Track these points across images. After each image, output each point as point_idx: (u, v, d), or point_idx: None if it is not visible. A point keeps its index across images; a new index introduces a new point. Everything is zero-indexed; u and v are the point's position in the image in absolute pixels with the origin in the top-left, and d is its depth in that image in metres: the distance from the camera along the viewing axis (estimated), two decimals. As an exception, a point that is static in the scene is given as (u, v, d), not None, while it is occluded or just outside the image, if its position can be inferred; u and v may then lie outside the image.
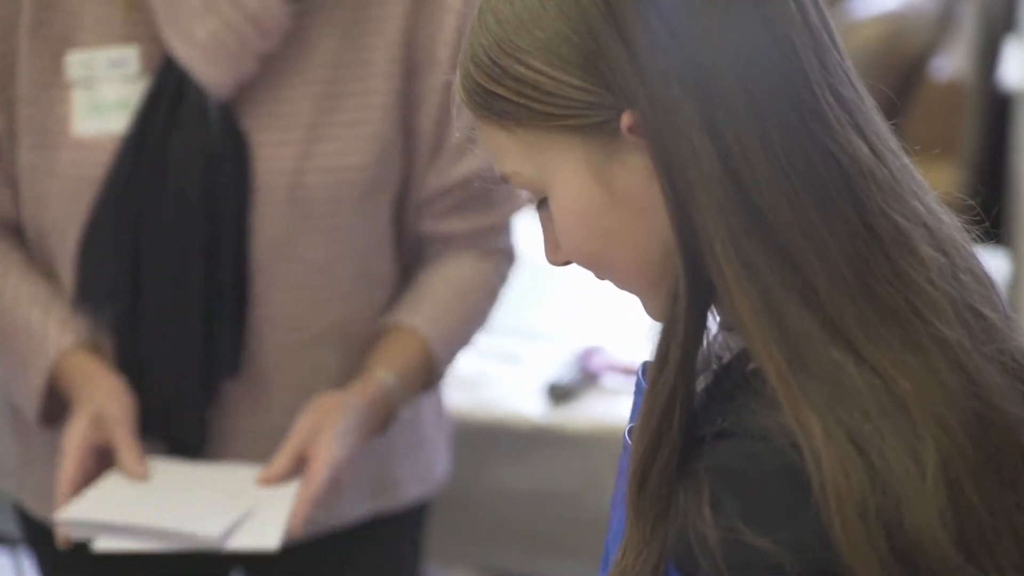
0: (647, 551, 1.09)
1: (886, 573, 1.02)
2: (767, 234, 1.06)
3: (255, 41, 1.68)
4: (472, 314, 1.87)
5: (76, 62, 1.72)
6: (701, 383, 1.11)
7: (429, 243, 1.85)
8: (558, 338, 2.76)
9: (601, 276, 1.16)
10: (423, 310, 1.80)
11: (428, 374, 1.83)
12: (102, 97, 1.72)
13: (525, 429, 2.59)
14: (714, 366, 1.13)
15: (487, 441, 2.61)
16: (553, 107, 1.09)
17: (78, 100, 1.72)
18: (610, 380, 2.67)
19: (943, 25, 4.37)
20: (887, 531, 1.02)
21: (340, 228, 1.76)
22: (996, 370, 1.10)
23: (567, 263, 1.17)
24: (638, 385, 1.17)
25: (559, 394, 2.63)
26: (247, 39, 1.67)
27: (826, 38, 1.11)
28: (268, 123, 1.72)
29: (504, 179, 1.16)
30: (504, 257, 1.88)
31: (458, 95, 1.15)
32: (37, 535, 1.86)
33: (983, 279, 1.14)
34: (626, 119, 1.08)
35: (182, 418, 1.76)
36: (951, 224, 1.14)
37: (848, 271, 1.06)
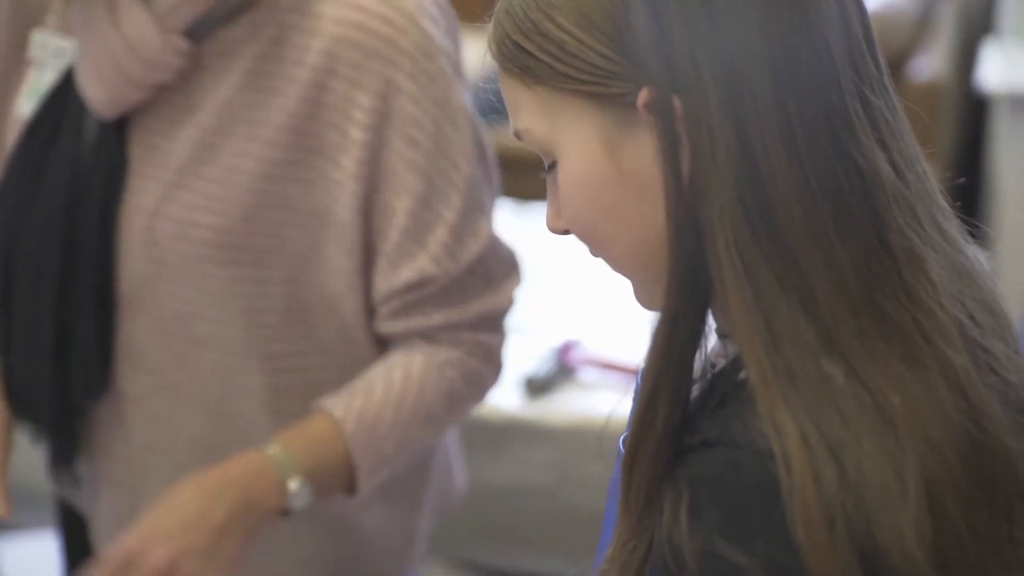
0: (635, 544, 1.10)
1: None
2: (774, 233, 1.04)
3: (138, 70, 1.58)
4: (411, 414, 1.65)
5: (35, 42, 1.69)
6: (695, 391, 1.10)
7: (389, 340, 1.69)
8: (535, 331, 2.76)
9: (596, 253, 1.14)
10: (349, 399, 1.64)
11: (340, 463, 1.63)
12: (41, 83, 1.68)
13: (501, 422, 2.59)
14: (708, 374, 1.11)
15: (463, 434, 2.60)
16: (575, 70, 1.08)
17: (27, 80, 1.69)
18: (587, 374, 2.67)
19: (922, 26, 4.38)
20: (855, 542, 1.01)
21: (200, 286, 1.64)
22: (999, 401, 1.08)
23: (566, 232, 1.15)
24: (637, 388, 1.14)
25: (536, 387, 2.63)
26: (126, 66, 1.58)
27: (865, 49, 1.10)
28: (148, 156, 1.63)
29: (516, 135, 1.14)
30: (479, 350, 1.70)
31: (488, 43, 1.13)
32: None
33: (998, 312, 1.13)
34: (643, 96, 1.06)
35: (52, 431, 1.72)
36: (971, 255, 1.13)
37: (855, 283, 1.05)
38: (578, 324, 2.79)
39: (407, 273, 1.63)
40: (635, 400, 1.11)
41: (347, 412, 1.62)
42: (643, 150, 1.08)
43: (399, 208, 1.61)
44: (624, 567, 1.10)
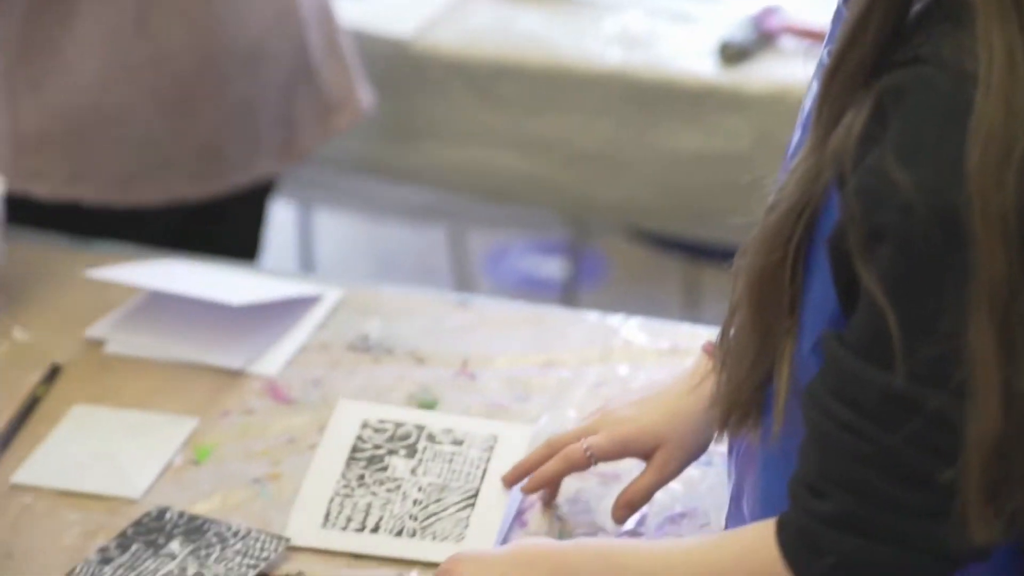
0: (815, 157, 1.09)
1: (1003, 228, 1.00)
2: None
3: None
4: None
5: None
6: (917, 5, 1.07)
7: None
8: (733, -3, 2.68)
9: None
10: None
11: None
12: None
13: (696, 88, 2.53)
14: None
15: (656, 100, 2.55)
16: None
17: None
18: (787, 42, 2.59)
19: None
20: (1022, 185, 0.99)
21: None
22: None
23: None
24: (837, 12, 1.15)
25: (732, 54, 2.55)
26: None
27: None
28: None
29: None
30: None
31: None
32: None
33: None
34: None
35: None
36: None
37: None
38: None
39: None
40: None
41: None
42: None
43: None
44: (802, 178, 1.10)
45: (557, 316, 1.83)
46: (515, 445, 1.50)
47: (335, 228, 3.95)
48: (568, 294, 3.47)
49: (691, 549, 1.19)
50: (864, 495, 1.07)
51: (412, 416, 1.56)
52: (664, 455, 1.41)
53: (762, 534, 1.13)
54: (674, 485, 1.51)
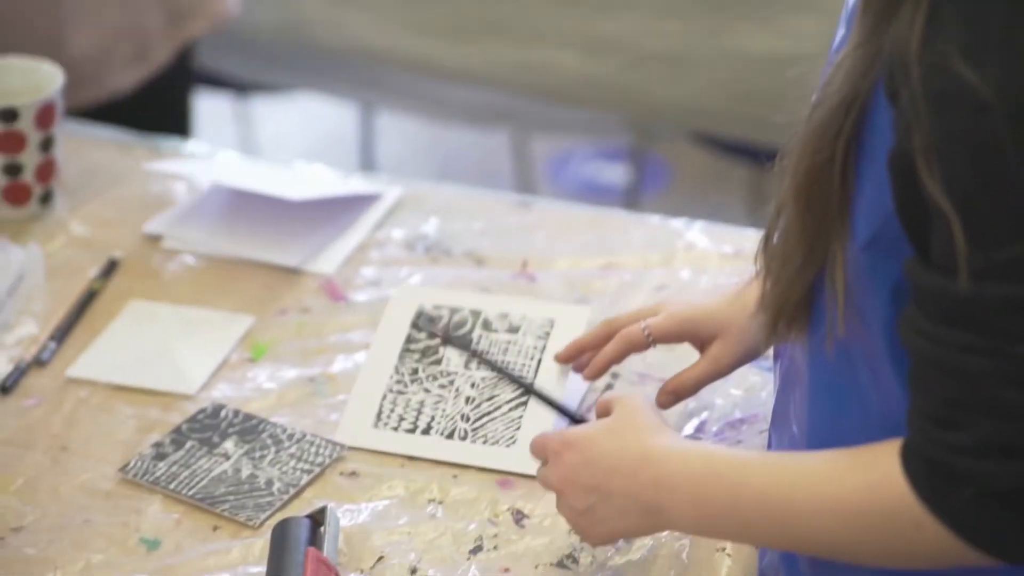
0: (863, 51, 1.04)
1: None
2: None
3: None
4: None
5: None
6: None
7: None
8: None
9: None
10: None
11: None
12: None
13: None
14: None
15: (725, 0, 2.50)
16: None
17: None
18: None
19: None
20: None
21: None
22: None
23: None
24: None
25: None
26: None
27: None
28: None
29: None
30: None
31: None
32: None
33: None
34: None
35: None
36: None
37: None
38: None
39: None
40: None
41: None
42: None
43: None
44: (849, 72, 1.05)
45: (619, 219, 1.80)
46: (571, 330, 1.46)
47: (397, 130, 3.93)
48: (630, 200, 3.44)
49: (810, 473, 1.11)
50: (1002, 415, 1.01)
51: (469, 300, 1.52)
52: (721, 347, 1.38)
53: (886, 469, 1.07)
54: (734, 390, 1.49)
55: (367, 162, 3.65)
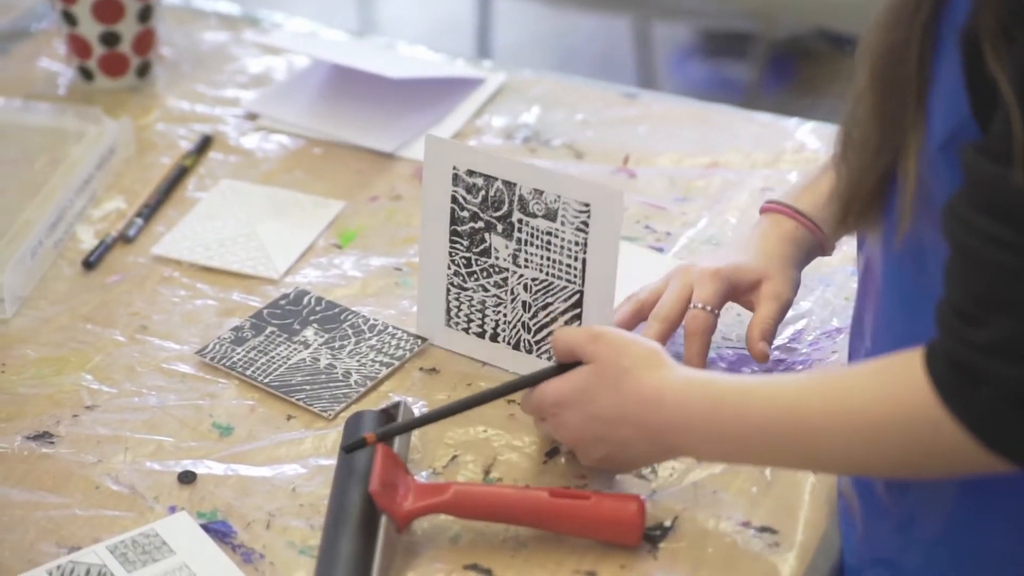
0: None
1: None
2: None
3: None
4: None
5: None
6: None
7: None
8: None
9: None
10: None
11: None
12: None
13: None
14: None
15: None
16: None
17: None
18: None
19: None
20: None
21: None
22: None
23: None
24: None
25: None
26: None
27: None
28: None
29: None
30: None
31: None
32: None
33: None
34: None
35: None
36: None
37: None
38: None
39: None
40: None
41: None
42: None
43: None
44: None
45: (727, 115, 1.74)
46: (610, 219, 1.36)
47: (515, 16, 3.86)
48: (751, 97, 3.36)
49: (827, 389, 1.08)
50: None
51: (503, 168, 1.40)
52: (772, 285, 1.33)
53: (906, 366, 1.03)
54: (833, 298, 1.43)
55: (483, 50, 3.59)
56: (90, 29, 1.75)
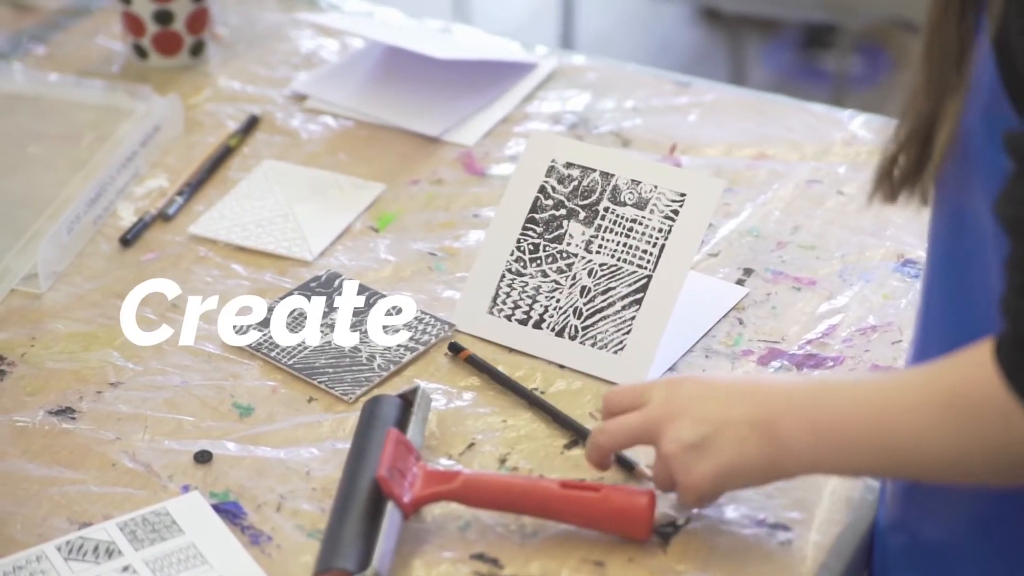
0: None
1: None
2: None
3: None
4: None
5: None
6: None
7: None
8: None
9: None
10: None
11: None
12: None
13: None
14: None
15: None
16: None
17: None
18: None
19: None
20: None
21: None
22: None
23: None
24: None
25: None
26: None
27: None
28: None
29: None
30: None
31: None
32: None
33: None
34: None
35: None
36: None
37: None
38: None
39: None
40: None
41: None
42: None
43: None
44: None
45: (779, 105, 1.70)
46: (703, 207, 1.35)
47: (605, 3, 3.83)
48: (839, 90, 3.31)
49: (899, 385, 1.05)
50: None
51: (603, 160, 1.40)
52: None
53: (976, 359, 1.01)
54: (872, 295, 1.39)
55: (567, 39, 3.56)
56: (144, 7, 1.75)
